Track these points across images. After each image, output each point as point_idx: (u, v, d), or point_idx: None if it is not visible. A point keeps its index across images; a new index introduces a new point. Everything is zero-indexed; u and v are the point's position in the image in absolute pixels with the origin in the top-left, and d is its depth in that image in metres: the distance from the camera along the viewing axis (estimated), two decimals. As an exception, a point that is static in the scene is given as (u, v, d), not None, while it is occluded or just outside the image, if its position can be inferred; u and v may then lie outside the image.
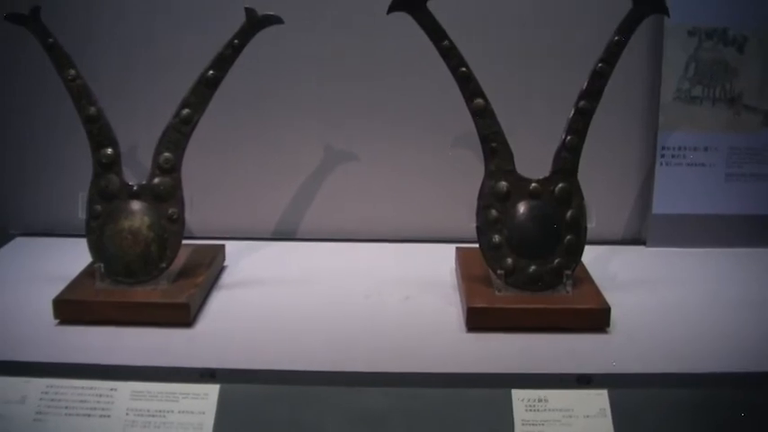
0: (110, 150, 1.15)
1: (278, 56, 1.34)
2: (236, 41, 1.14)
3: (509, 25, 1.35)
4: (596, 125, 1.13)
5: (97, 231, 1.14)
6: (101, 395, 0.93)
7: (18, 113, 1.41)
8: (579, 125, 1.13)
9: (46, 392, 0.93)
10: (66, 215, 1.23)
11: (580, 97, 1.12)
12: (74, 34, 1.19)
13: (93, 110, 1.14)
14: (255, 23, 1.14)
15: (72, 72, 1.14)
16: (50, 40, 1.14)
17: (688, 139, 1.37)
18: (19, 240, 1.43)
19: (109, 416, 0.92)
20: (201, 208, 1.20)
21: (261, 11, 1.13)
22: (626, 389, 0.93)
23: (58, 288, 1.13)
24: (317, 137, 1.40)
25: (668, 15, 1.15)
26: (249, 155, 1.41)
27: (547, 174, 1.13)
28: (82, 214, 1.16)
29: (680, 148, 1.37)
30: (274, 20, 1.14)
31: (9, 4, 1.14)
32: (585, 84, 1.12)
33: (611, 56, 1.12)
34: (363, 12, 1.32)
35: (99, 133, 1.15)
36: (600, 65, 1.12)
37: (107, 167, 1.15)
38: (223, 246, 1.31)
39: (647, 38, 1.33)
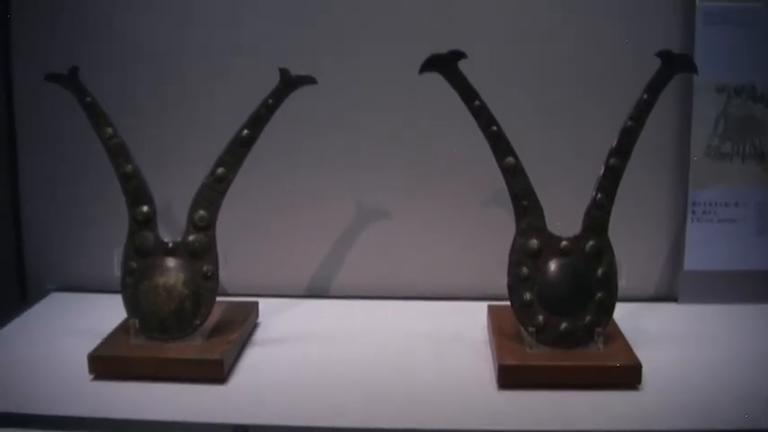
0: (145, 208, 1.16)
1: (309, 113, 1.36)
2: (270, 101, 1.16)
3: (539, 83, 1.36)
4: (627, 182, 1.14)
5: (132, 287, 1.16)
6: (135, 450, 0.94)
7: (54, 170, 1.43)
8: (609, 183, 1.13)
9: (81, 447, 0.94)
10: (101, 271, 1.25)
11: (610, 155, 1.13)
12: (110, 91, 1.21)
13: (129, 167, 1.16)
14: (289, 84, 1.15)
15: (109, 130, 1.16)
16: (88, 98, 1.16)
17: (718, 195, 1.37)
18: (55, 296, 1.44)
19: (143, 471, 0.92)
20: (235, 265, 1.21)
21: (293, 70, 1.15)
22: (658, 447, 0.92)
23: (93, 343, 1.14)
24: (348, 195, 1.41)
25: (696, 73, 1.16)
26: (281, 213, 1.42)
27: (577, 231, 1.14)
28: (117, 271, 1.17)
29: (710, 204, 1.37)
30: (308, 80, 1.16)
31: (48, 64, 1.18)
32: (615, 141, 1.13)
33: (641, 113, 1.13)
34: (395, 69, 1.34)
35: (135, 191, 1.16)
36: (629, 122, 1.13)
37: (143, 224, 1.16)
38: (256, 303, 1.32)
39: (677, 94, 1.34)
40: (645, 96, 1.12)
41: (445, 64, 1.10)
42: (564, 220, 1.14)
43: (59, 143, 1.41)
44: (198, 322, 1.15)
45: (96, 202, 1.40)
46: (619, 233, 1.15)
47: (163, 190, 1.22)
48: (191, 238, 1.16)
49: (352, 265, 1.43)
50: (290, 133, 1.35)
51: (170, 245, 1.17)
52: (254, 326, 1.29)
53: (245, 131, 1.16)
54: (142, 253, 1.16)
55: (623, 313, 1.21)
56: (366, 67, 1.37)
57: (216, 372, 1.10)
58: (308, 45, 1.36)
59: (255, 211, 1.41)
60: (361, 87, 1.38)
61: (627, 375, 1.08)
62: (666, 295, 1.42)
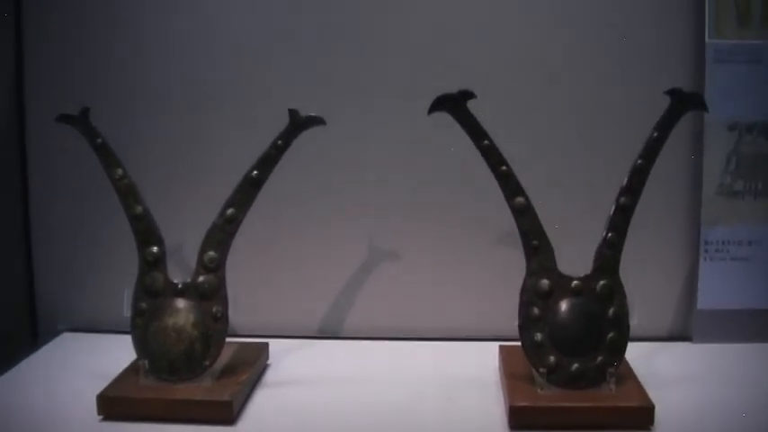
0: (155, 248, 1.17)
1: (320, 153, 1.36)
2: (279, 142, 1.16)
3: (548, 123, 1.36)
4: (638, 221, 1.14)
5: (142, 328, 1.16)
6: (143, 493, 0.94)
7: (65, 211, 1.44)
8: (620, 222, 1.13)
9: (89, 490, 0.94)
10: (111, 312, 1.25)
11: (620, 194, 1.13)
12: (120, 132, 1.21)
13: (139, 209, 1.16)
14: (299, 124, 1.16)
15: (119, 171, 1.17)
16: (99, 140, 1.17)
17: (731, 234, 1.36)
18: (65, 336, 1.44)
19: None
20: (245, 306, 1.21)
21: (303, 111, 1.16)
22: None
23: (102, 384, 1.14)
24: (359, 235, 1.41)
25: (707, 111, 1.16)
26: (292, 254, 1.42)
27: (588, 271, 1.13)
28: (127, 311, 1.17)
29: (723, 243, 1.36)
30: (317, 121, 1.16)
31: (60, 106, 1.18)
32: (626, 180, 1.13)
33: (651, 152, 1.12)
34: (405, 108, 1.34)
35: (145, 231, 1.17)
36: (639, 161, 1.12)
37: (152, 265, 1.17)
38: (267, 344, 1.31)
39: (688, 132, 1.33)
40: (655, 134, 1.12)
41: (454, 104, 1.10)
42: (574, 259, 1.13)
43: (70, 184, 1.42)
44: (207, 363, 1.14)
45: (106, 243, 1.41)
46: (631, 272, 1.14)
47: (173, 231, 1.22)
48: (200, 278, 1.16)
49: (364, 305, 1.43)
50: (299, 173, 1.35)
51: (180, 286, 1.17)
52: (265, 367, 1.29)
53: (255, 172, 1.16)
54: (152, 294, 1.16)
55: (636, 353, 1.20)
56: (377, 107, 1.38)
57: (225, 413, 1.10)
58: (318, 87, 1.37)
59: (266, 251, 1.41)
60: (372, 128, 1.38)
61: (639, 417, 1.07)
62: (680, 335, 1.40)
